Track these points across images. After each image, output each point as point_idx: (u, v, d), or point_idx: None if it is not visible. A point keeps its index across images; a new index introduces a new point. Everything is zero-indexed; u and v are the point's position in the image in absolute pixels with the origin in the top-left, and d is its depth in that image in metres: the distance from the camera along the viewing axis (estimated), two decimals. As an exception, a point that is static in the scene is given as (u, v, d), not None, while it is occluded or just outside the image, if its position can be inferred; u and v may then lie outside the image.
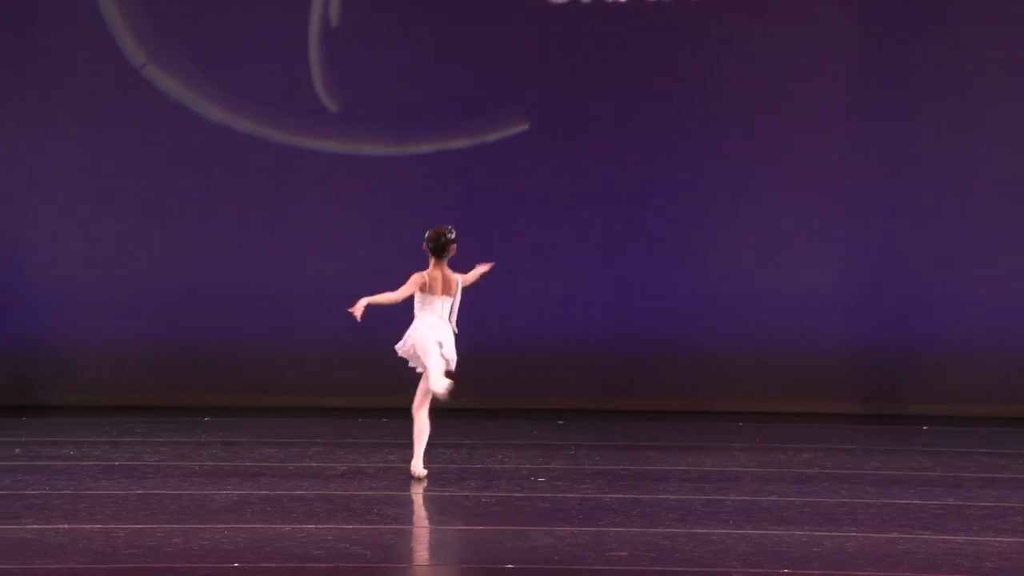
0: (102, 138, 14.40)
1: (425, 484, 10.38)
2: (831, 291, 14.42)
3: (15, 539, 8.62)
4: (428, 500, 10.03)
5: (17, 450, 11.79)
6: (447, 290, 10.47)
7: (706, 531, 9.02)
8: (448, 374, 10.38)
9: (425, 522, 9.31)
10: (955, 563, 8.29)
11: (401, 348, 10.49)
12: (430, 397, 10.47)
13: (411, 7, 14.47)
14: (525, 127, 14.50)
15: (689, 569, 8.14)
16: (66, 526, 8.95)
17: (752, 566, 8.16)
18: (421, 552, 8.63)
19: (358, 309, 10.25)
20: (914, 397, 14.38)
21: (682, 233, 14.49)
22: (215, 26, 14.42)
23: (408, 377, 14.29)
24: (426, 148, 14.54)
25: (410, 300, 10.51)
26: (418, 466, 10.47)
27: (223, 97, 14.41)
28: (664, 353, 14.44)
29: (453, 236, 10.51)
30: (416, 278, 10.45)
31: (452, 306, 10.51)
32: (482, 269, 10.71)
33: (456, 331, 10.49)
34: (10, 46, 14.29)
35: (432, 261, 10.52)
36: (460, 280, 10.57)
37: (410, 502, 9.96)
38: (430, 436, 10.55)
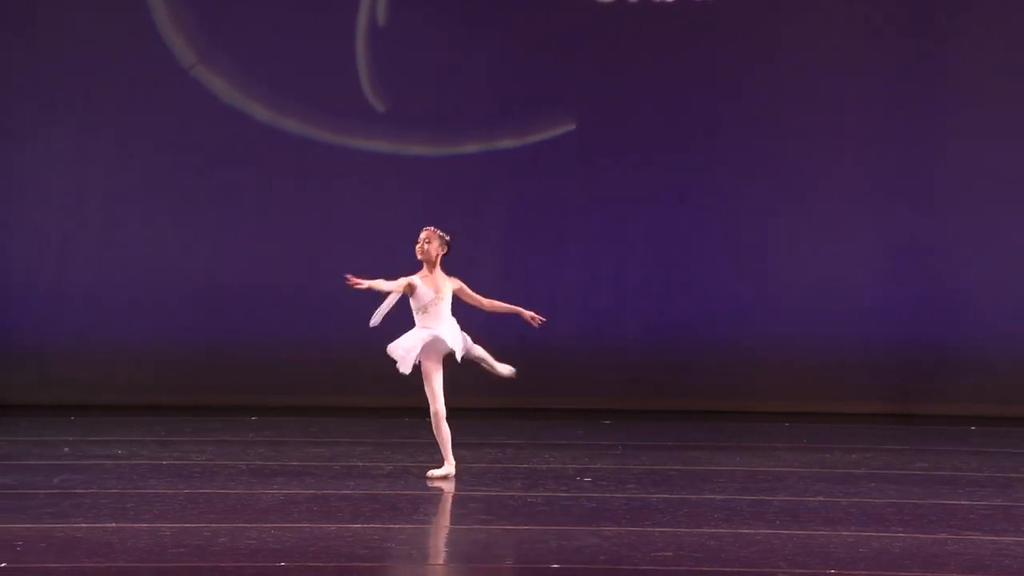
0: (150, 139, 14.47)
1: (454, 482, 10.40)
2: (877, 290, 14.35)
3: (64, 538, 8.68)
4: (474, 500, 10.04)
5: (66, 449, 11.87)
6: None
7: (752, 531, 8.99)
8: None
9: (471, 522, 9.31)
10: (1004, 564, 8.23)
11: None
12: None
13: (458, 7, 14.49)
14: (572, 127, 14.49)
15: (735, 569, 8.12)
16: (114, 525, 9.01)
17: (798, 566, 8.13)
18: (467, 552, 8.64)
19: (359, 282, 10.26)
20: (961, 398, 14.29)
21: (727, 232, 14.45)
22: (263, 26, 14.47)
23: (459, 378, 14.31)
24: (472, 148, 14.55)
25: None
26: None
27: (270, 97, 14.47)
28: (710, 353, 14.41)
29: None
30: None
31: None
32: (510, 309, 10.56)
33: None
34: (57, 47, 14.38)
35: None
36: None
37: (456, 502, 9.97)
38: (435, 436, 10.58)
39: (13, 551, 8.33)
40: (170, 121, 14.47)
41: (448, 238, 10.54)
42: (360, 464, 11.37)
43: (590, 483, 10.58)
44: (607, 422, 13.68)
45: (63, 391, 14.28)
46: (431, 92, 14.49)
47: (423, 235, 10.49)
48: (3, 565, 8.01)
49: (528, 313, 10.62)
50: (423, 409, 13.85)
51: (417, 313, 10.43)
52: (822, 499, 10.09)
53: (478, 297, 10.59)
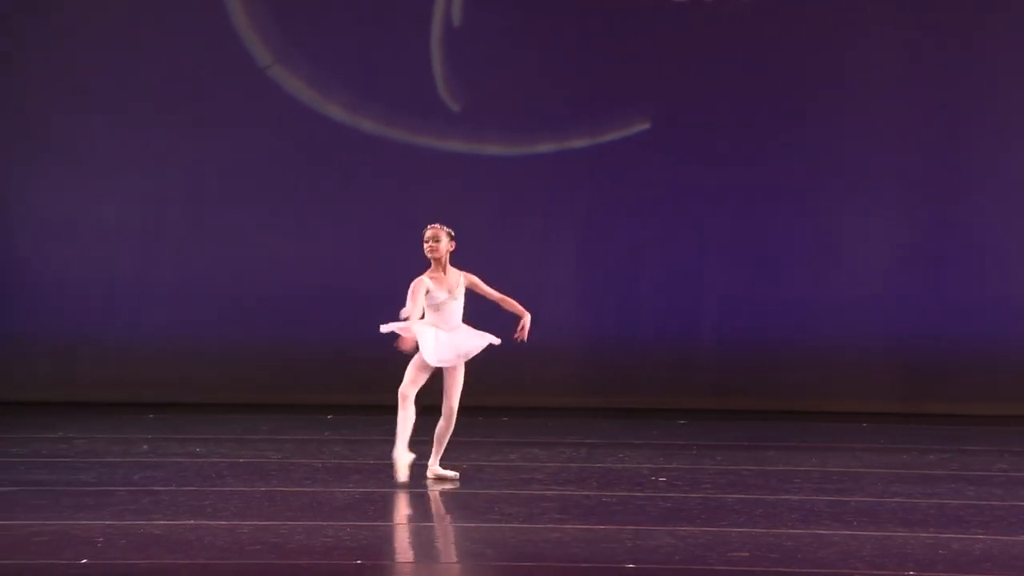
0: (228, 140, 14.58)
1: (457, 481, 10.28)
2: (959, 291, 14.22)
3: (144, 535, 8.76)
4: (548, 499, 10.03)
5: (145, 447, 11.98)
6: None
7: (830, 532, 8.93)
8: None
9: (545, 521, 9.31)
10: (1086, 567, 8.14)
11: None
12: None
13: (533, 7, 14.49)
14: (646, 126, 14.45)
15: (813, 571, 8.07)
16: (192, 522, 9.08)
17: (877, 568, 8.07)
18: (541, 550, 8.63)
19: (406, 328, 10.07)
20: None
21: (804, 233, 14.37)
22: (339, 26, 14.54)
23: (532, 374, 14.33)
24: (546, 148, 14.55)
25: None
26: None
27: (346, 97, 14.53)
28: (787, 353, 14.33)
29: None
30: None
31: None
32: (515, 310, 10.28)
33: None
34: (135, 49, 14.51)
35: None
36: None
37: (531, 500, 9.97)
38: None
39: (94, 547, 8.41)
40: (247, 121, 14.56)
41: (453, 233, 10.28)
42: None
43: (665, 483, 10.54)
44: (682, 422, 13.64)
45: (143, 389, 14.41)
46: (505, 92, 14.50)
47: (429, 233, 10.19)
48: (84, 561, 8.09)
49: (524, 322, 10.23)
50: (499, 408, 13.87)
51: (429, 310, 10.21)
52: (900, 500, 10.01)
53: (490, 290, 10.28)
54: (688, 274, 14.46)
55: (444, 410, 10.36)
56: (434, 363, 10.16)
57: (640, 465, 11.28)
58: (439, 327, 10.20)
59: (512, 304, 10.33)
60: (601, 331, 14.54)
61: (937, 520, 9.37)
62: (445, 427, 10.38)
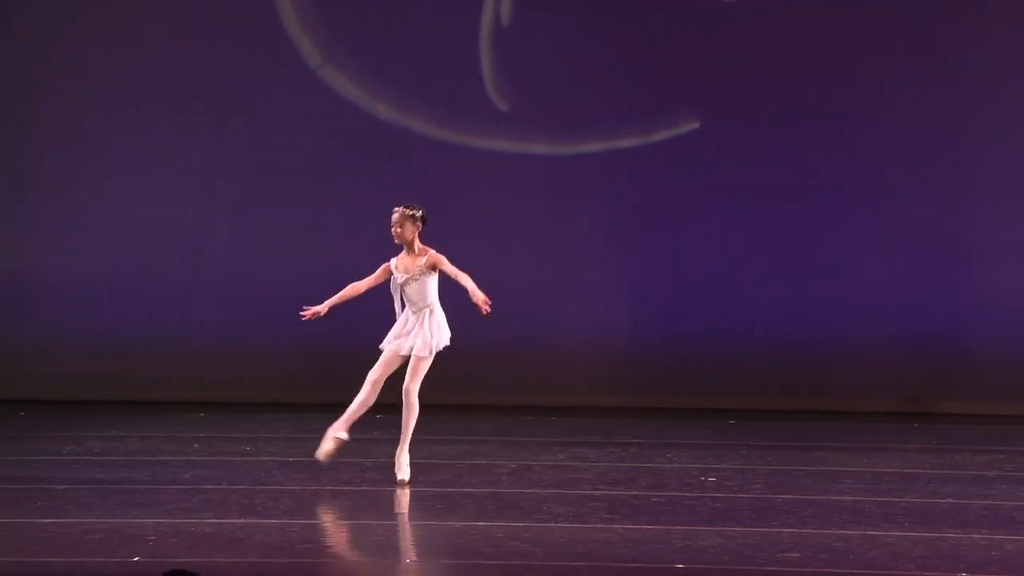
0: (277, 138, 14.62)
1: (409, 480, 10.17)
2: (1011, 289, 14.11)
3: (195, 533, 8.80)
4: (597, 499, 10.02)
5: (196, 445, 12.03)
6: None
7: (881, 533, 8.88)
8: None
9: (594, 521, 9.30)
10: None
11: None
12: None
13: (581, 6, 14.47)
14: (696, 125, 14.41)
15: (864, 571, 8.03)
16: (243, 521, 9.11)
17: (928, 569, 8.02)
18: (590, 550, 8.62)
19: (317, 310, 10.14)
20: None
21: (853, 231, 14.29)
22: (387, 27, 14.57)
23: (580, 373, 14.28)
24: (595, 147, 14.53)
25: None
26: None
27: (395, 97, 14.55)
28: (836, 351, 14.26)
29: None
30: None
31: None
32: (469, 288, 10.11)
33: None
34: (186, 48, 14.57)
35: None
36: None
37: (579, 500, 9.96)
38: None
39: (146, 545, 8.46)
40: (297, 121, 14.60)
41: (419, 213, 10.26)
42: (483, 462, 11.40)
43: (714, 483, 10.51)
44: (732, 422, 13.59)
45: (193, 388, 14.47)
46: (554, 91, 14.48)
47: (394, 217, 10.24)
48: (136, 559, 8.14)
49: (472, 294, 10.07)
50: (547, 408, 13.85)
51: (395, 292, 10.22)
52: (952, 501, 9.94)
53: (450, 268, 10.15)
54: (738, 272, 14.41)
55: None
56: (381, 346, 10.18)
57: (689, 465, 11.25)
58: (409, 310, 10.17)
59: (463, 279, 10.13)
60: (650, 330, 14.49)
61: (990, 521, 9.29)
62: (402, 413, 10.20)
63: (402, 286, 10.25)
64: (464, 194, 14.56)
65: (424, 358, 10.19)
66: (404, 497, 9.97)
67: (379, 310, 14.60)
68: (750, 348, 14.33)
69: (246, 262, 14.62)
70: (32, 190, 14.59)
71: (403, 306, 10.31)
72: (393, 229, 10.30)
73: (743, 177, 14.35)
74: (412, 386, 10.19)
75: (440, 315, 10.30)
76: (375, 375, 10.31)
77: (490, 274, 14.39)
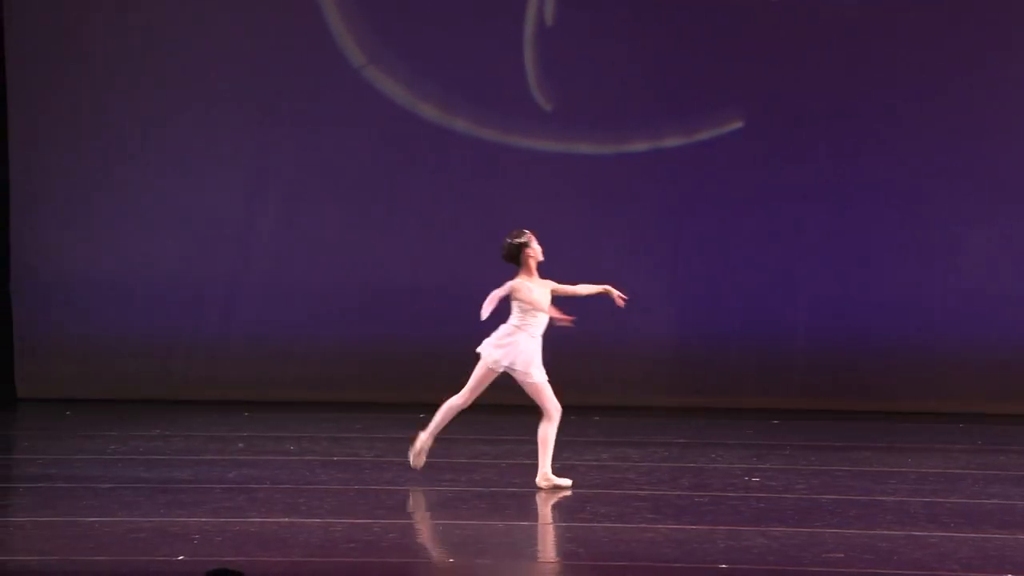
0: (321, 138, 14.67)
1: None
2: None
3: (239, 531, 8.84)
4: (641, 498, 10.01)
5: (241, 444, 12.09)
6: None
7: (926, 534, 8.84)
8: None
9: (637, 520, 9.29)
10: None
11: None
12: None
13: (625, 6, 14.46)
14: (739, 124, 14.38)
15: (909, 572, 7.99)
16: (287, 520, 9.15)
17: (974, 570, 7.98)
18: (633, 550, 8.62)
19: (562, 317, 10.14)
20: None
21: (897, 232, 14.23)
22: (432, 26, 14.60)
23: (624, 373, 14.24)
24: (640, 146, 14.52)
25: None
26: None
27: (439, 97, 14.58)
28: (882, 353, 14.20)
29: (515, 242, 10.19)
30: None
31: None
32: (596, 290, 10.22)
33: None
34: (233, 48, 14.64)
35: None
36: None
37: (623, 500, 9.96)
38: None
39: (190, 544, 8.51)
40: (341, 121, 14.64)
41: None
42: (526, 462, 11.40)
43: (758, 483, 10.48)
44: (776, 422, 13.56)
45: (237, 387, 14.53)
46: (598, 91, 14.48)
47: (533, 238, 10.26)
48: (181, 558, 8.18)
49: (615, 292, 10.23)
50: (591, 408, 13.85)
51: (524, 313, 10.19)
52: (997, 502, 9.88)
53: (571, 288, 10.27)
54: (781, 273, 14.36)
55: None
56: (536, 379, 10.21)
57: (733, 465, 11.23)
58: (532, 333, 10.20)
59: (592, 288, 10.27)
60: (694, 330, 14.47)
61: (1035, 522, 9.25)
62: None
63: (540, 311, 10.16)
64: (507, 194, 14.57)
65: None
66: (446, 497, 9.99)
67: (421, 310, 14.66)
68: (794, 348, 14.29)
69: (290, 261, 14.67)
70: (81, 190, 14.69)
71: (521, 324, 10.12)
72: (538, 248, 10.24)
73: (787, 176, 14.31)
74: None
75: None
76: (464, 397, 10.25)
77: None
